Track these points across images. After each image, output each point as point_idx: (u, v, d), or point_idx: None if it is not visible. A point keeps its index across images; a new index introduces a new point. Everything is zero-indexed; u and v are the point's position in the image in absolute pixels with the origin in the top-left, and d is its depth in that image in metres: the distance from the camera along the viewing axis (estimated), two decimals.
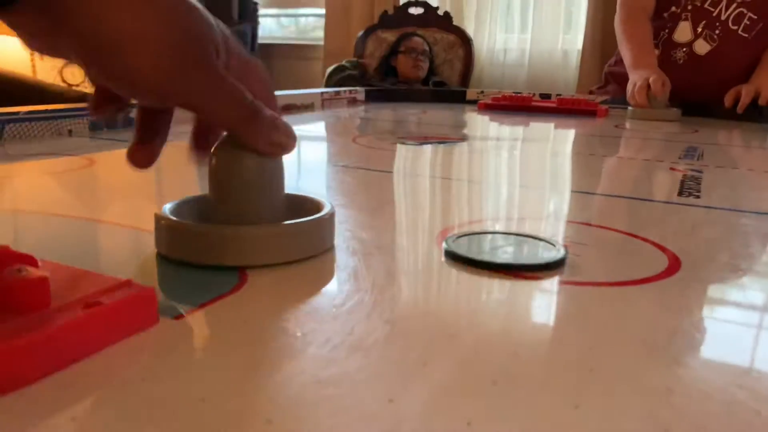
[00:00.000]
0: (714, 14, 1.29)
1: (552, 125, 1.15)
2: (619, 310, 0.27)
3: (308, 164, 0.70)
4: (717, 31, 1.29)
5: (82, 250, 0.35)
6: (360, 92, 1.52)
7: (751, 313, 0.28)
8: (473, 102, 1.44)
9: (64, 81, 3.85)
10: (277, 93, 1.32)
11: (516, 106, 1.33)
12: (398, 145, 0.81)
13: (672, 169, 0.65)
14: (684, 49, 1.32)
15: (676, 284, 0.30)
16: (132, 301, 0.24)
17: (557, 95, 1.41)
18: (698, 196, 0.51)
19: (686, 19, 1.30)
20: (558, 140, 0.98)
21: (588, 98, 1.33)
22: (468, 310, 0.27)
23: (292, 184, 0.55)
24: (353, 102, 1.48)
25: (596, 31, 2.30)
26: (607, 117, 1.26)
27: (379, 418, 0.18)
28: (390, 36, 2.57)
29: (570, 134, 1.07)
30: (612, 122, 1.19)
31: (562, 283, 0.30)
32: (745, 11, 1.28)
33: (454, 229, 0.39)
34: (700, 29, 1.30)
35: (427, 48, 2.36)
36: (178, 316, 0.25)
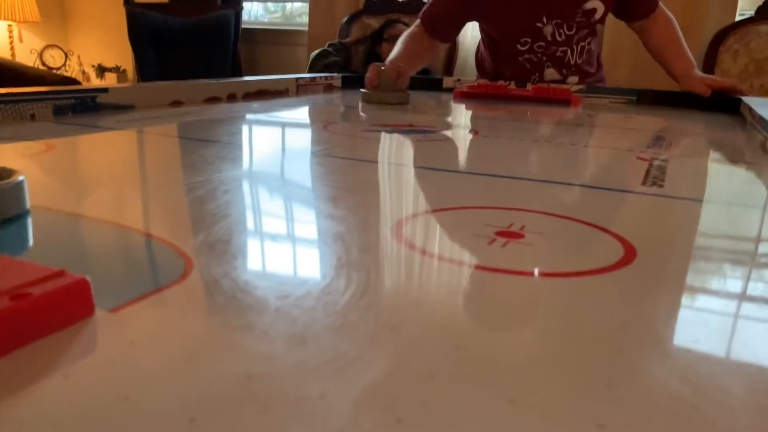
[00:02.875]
0: (566, 60, 1.41)
1: (526, 113, 1.15)
2: (569, 302, 0.27)
3: (276, 151, 0.69)
4: (573, 69, 1.43)
5: (17, 239, 0.34)
6: (337, 78, 1.50)
7: (700, 305, 0.28)
8: (450, 90, 1.43)
9: (44, 64, 3.76)
10: (250, 78, 1.30)
11: (491, 94, 1.32)
12: (369, 133, 0.80)
13: (639, 158, 0.65)
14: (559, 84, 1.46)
15: (628, 275, 0.30)
16: (64, 292, 0.23)
17: (534, 83, 1.41)
18: (662, 186, 0.51)
19: (549, 66, 1.42)
20: (526, 129, 0.98)
21: (563, 86, 1.33)
22: (414, 301, 0.27)
23: (258, 170, 0.54)
24: (329, 88, 1.46)
25: None
26: (581, 106, 1.26)
27: (307, 415, 0.17)
28: (374, 22, 2.55)
29: (542, 123, 1.07)
30: (585, 111, 1.19)
31: (513, 273, 0.29)
32: (585, 45, 1.40)
33: (410, 219, 0.38)
34: (564, 72, 1.43)
35: None
36: (115, 309, 0.24)
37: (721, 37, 2.26)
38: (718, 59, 2.33)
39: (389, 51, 2.30)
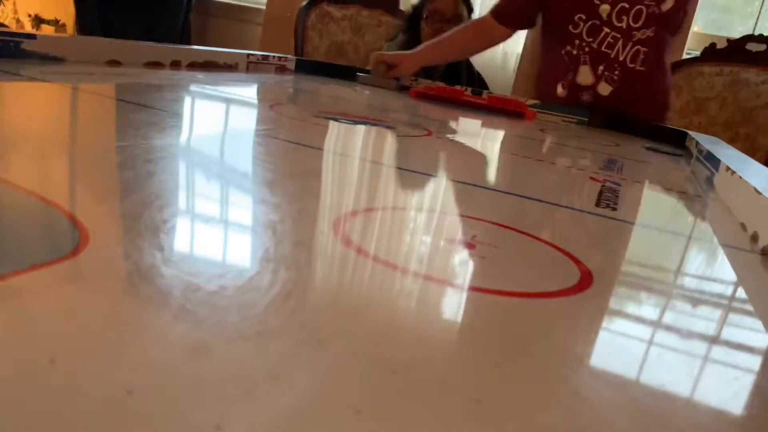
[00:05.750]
0: (612, 56, 1.34)
1: (479, 122, 1.13)
2: (522, 327, 0.24)
3: (212, 125, 0.63)
4: (616, 72, 1.35)
5: None
6: (291, 60, 1.45)
7: (646, 335, 0.26)
8: (407, 88, 1.40)
9: None
10: (201, 48, 1.22)
11: (446, 97, 1.30)
12: (318, 119, 0.76)
13: (592, 178, 0.63)
14: (589, 92, 1.37)
15: (584, 303, 0.27)
16: None
17: (488, 92, 1.40)
18: (615, 209, 0.49)
19: (585, 63, 1.35)
20: (479, 136, 0.96)
21: (518, 98, 1.32)
22: (362, 303, 0.23)
23: (189, 143, 0.49)
24: (282, 69, 1.40)
25: (537, 35, 2.30)
26: (534, 120, 1.26)
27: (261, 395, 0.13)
28: (335, 11, 2.47)
29: (496, 132, 1.05)
30: (538, 126, 1.18)
31: (467, 289, 0.26)
32: (640, 48, 1.32)
33: (352, 215, 0.35)
34: (600, 71, 1.35)
35: (461, 12, 1.88)
36: None
37: None
38: None
39: (425, 31, 1.95)
